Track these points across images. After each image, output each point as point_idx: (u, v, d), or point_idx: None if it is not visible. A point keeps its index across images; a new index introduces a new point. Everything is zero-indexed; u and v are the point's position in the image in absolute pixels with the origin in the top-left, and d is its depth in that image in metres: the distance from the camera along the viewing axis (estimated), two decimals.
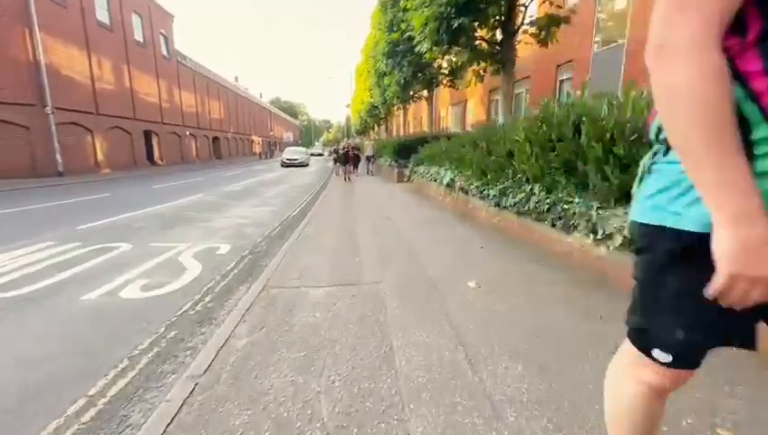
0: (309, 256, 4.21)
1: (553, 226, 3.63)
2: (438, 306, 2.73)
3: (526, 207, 4.05)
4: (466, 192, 6.12)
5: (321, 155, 49.15)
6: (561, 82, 14.34)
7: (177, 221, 6.60)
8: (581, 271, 3.27)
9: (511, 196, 4.37)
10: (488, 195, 5.02)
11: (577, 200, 3.27)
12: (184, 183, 14.33)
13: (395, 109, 24.37)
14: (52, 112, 16.34)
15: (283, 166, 25.92)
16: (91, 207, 8.17)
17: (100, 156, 19.85)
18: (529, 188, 4.01)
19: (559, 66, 14.48)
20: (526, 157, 4.00)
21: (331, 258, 4.12)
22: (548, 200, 3.66)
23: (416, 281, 3.30)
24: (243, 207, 8.42)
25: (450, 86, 16.69)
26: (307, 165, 27.36)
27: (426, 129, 18.95)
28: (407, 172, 11.52)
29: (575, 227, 3.27)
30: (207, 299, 3.27)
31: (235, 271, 3.99)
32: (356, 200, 8.86)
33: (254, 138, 53.81)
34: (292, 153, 27.52)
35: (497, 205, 4.75)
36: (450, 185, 6.82)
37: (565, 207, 3.39)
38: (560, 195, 3.52)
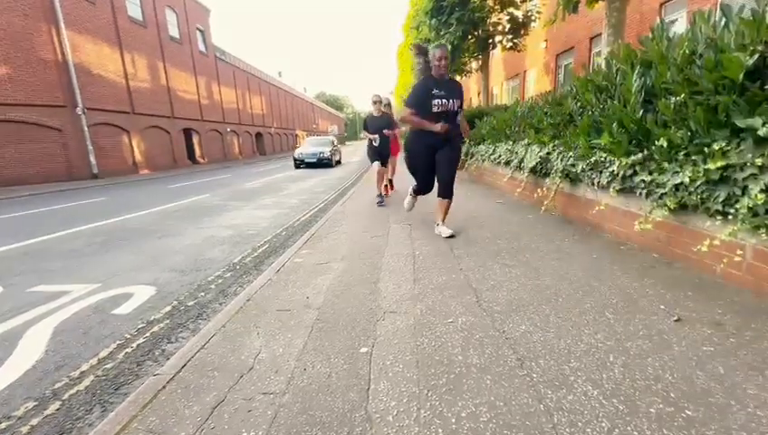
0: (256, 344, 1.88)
1: None
2: None
3: None
4: (575, 179, 3.41)
5: (323, 163, 16.72)
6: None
7: (130, 238, 4.65)
8: None
9: None
10: (665, 185, 2.31)
11: None
12: (203, 181, 12.89)
13: None
14: (84, 113, 15.79)
15: None
16: (58, 216, 6.62)
17: (137, 156, 19.38)
18: None
19: (663, 4, 10.84)
20: None
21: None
22: None
23: None
24: (242, 211, 6.38)
25: (511, 48, 13.51)
26: None
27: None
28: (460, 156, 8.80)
29: None
30: None
31: (79, 388, 1.76)
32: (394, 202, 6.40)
33: (297, 132, 53.30)
34: None
35: None
36: (538, 169, 4.13)
37: None
38: None
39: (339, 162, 18.98)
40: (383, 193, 5.72)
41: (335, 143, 19.01)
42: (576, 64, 14.60)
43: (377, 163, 5.75)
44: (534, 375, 1.45)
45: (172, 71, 22.85)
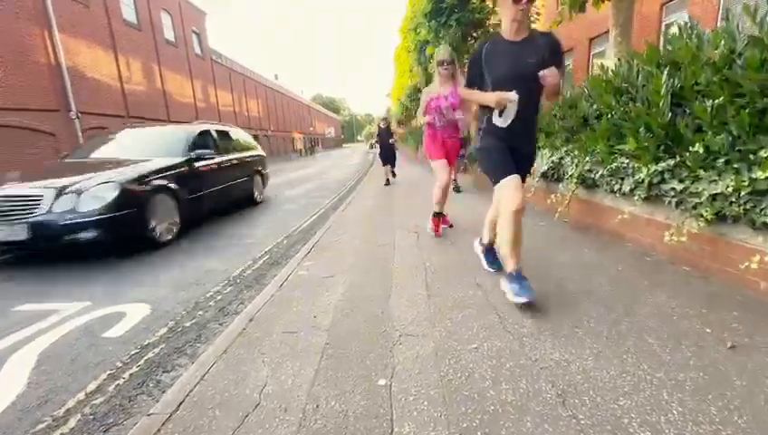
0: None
1: None
2: None
3: None
4: (593, 186, 3.26)
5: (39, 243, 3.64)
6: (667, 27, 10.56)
7: (123, 247, 4.44)
8: None
9: None
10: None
11: None
12: None
13: None
14: (78, 117, 15.55)
15: None
16: None
17: None
18: None
19: (664, 4, 10.81)
20: None
21: None
22: None
23: None
24: (240, 216, 6.18)
25: None
26: None
27: None
28: (463, 161, 8.65)
29: None
30: None
31: (64, 430, 1.57)
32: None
33: (294, 135, 53.11)
34: None
35: None
36: (550, 175, 3.98)
37: None
38: None
39: (252, 201, 7.24)
40: (434, 229, 3.59)
41: (219, 142, 6.24)
42: (575, 66, 14.52)
43: (513, 179, 2.01)
44: (581, 416, 1.28)
45: (168, 74, 22.62)
